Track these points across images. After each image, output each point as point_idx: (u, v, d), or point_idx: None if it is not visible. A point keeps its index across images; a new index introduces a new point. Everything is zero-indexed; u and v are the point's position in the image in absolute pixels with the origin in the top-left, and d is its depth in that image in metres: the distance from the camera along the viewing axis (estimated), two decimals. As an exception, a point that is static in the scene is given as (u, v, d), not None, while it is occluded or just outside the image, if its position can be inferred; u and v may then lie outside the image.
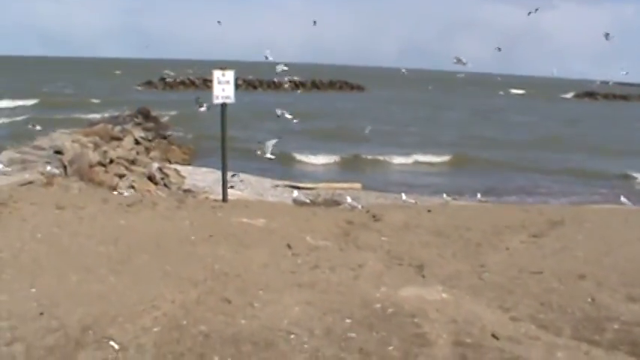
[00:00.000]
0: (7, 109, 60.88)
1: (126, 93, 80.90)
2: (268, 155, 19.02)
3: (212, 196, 14.69)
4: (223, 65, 12.57)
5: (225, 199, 12.64)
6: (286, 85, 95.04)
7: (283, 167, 32.63)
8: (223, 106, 12.53)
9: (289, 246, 9.55)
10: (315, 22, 31.11)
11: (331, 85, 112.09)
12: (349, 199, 14.00)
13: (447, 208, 15.94)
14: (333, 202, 23.42)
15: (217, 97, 12.45)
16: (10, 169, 18.48)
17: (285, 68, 26.50)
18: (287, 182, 26.63)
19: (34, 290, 6.95)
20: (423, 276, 8.49)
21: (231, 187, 23.67)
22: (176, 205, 11.79)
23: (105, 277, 7.52)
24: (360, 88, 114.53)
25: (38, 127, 30.69)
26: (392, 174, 35.81)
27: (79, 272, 7.63)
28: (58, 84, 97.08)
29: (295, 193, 13.92)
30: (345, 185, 27.27)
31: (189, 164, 31.96)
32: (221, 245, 9.28)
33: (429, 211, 13.01)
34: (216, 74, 12.44)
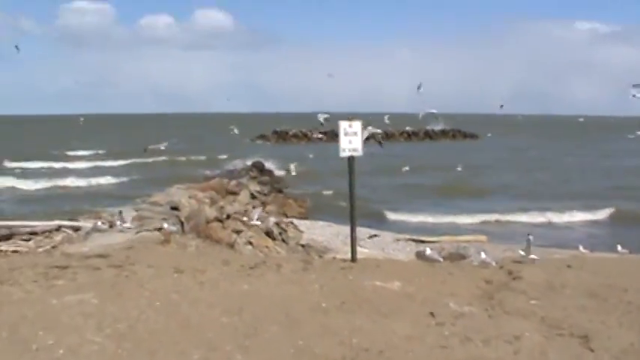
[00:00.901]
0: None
1: (240, 147, 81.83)
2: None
3: (338, 256, 13.68)
4: (350, 116, 11.67)
5: (354, 258, 11.61)
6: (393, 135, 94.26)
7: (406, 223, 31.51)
8: (351, 159, 11.58)
9: (432, 314, 8.46)
10: (330, 74, 29.93)
11: (444, 134, 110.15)
12: (483, 255, 12.74)
13: (586, 262, 14.39)
14: (459, 256, 22.13)
15: (344, 150, 11.53)
16: (128, 226, 18.11)
17: (327, 115, 25.60)
18: (409, 236, 25.34)
19: (152, 371, 6.08)
20: (592, 350, 7.22)
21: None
22: (302, 267, 10.85)
23: (231, 354, 6.62)
24: (473, 136, 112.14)
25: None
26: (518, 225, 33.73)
27: (201, 348, 6.77)
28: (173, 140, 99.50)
29: (428, 250, 12.69)
30: (469, 238, 25.73)
31: (306, 218, 31.16)
32: (356, 314, 8.24)
33: (568, 266, 11.67)
34: (343, 125, 11.54)
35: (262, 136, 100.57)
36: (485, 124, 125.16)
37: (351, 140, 11.52)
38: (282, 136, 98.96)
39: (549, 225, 32.69)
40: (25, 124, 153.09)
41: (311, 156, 57.27)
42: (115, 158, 63.53)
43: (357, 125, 11.58)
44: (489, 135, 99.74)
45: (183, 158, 64.72)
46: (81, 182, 45.72)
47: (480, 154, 71.76)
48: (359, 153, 11.57)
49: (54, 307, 8.00)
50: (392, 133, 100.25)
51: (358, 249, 14.11)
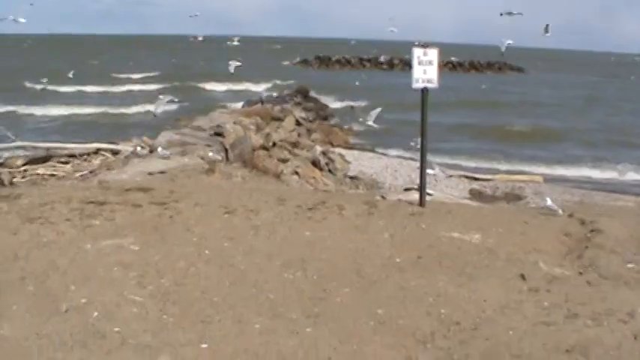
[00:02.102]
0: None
1: (281, 70, 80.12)
2: (370, 123, 19.17)
3: (391, 193, 12.39)
4: (425, 43, 10.26)
5: (422, 202, 10.35)
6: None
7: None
8: (424, 91, 10.19)
9: (523, 276, 7.19)
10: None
11: (489, 66, 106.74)
12: (549, 201, 11.38)
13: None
14: (514, 197, 20.91)
15: (417, 81, 10.15)
16: (169, 153, 16.98)
17: (238, 64, 24.85)
18: (462, 173, 23.88)
19: (204, 346, 4.94)
20: None
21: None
22: (367, 210, 9.63)
23: (299, 325, 5.49)
24: (519, 69, 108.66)
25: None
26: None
27: (262, 315, 5.62)
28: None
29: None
30: (525, 177, 24.18)
31: (352, 148, 29.80)
32: (437, 274, 7.03)
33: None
34: (417, 53, 10.14)
35: (304, 61, 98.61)
36: (530, 57, 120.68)
37: (426, 70, 10.13)
38: (324, 62, 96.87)
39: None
40: (70, 44, 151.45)
41: (357, 83, 55.65)
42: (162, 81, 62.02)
43: (432, 53, 10.17)
44: (535, 69, 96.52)
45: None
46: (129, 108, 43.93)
47: (532, 89, 68.62)
48: (434, 85, 10.19)
49: (88, 254, 6.90)
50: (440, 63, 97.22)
51: (412, 187, 12.87)
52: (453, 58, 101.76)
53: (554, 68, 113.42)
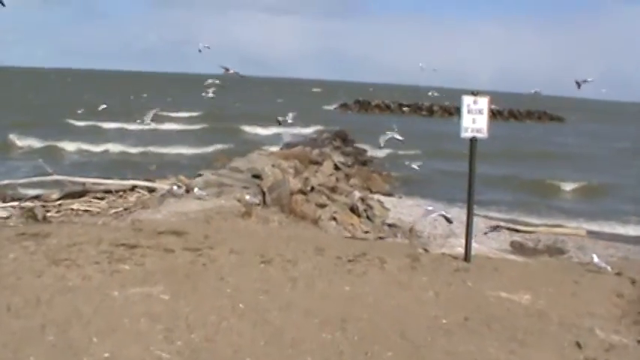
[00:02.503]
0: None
1: (320, 113, 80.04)
2: (382, 145, 20.09)
3: (445, 250, 11.80)
4: (475, 91, 9.81)
5: (468, 257, 9.81)
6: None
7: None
8: (473, 141, 9.72)
9: (578, 344, 6.60)
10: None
11: (529, 115, 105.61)
12: (595, 258, 10.78)
13: None
14: (557, 250, 20.20)
15: (466, 130, 9.71)
16: (205, 194, 16.65)
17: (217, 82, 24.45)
18: (504, 224, 23.17)
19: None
20: None
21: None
22: (409, 264, 9.14)
23: (337, 394, 4.92)
24: (559, 119, 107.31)
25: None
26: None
27: (298, 380, 5.09)
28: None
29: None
30: (567, 231, 23.36)
31: (391, 195, 29.25)
32: (486, 338, 6.51)
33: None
34: (466, 101, 9.71)
35: (344, 105, 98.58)
36: (568, 107, 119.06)
37: (475, 119, 9.68)
38: (364, 106, 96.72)
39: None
40: (117, 79, 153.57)
41: (395, 128, 55.13)
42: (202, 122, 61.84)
43: (483, 102, 9.73)
44: (573, 118, 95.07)
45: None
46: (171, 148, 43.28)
47: (573, 139, 67.10)
48: (484, 135, 9.73)
49: (115, 302, 6.48)
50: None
51: (453, 240, 12.35)
52: (493, 106, 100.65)
53: (593, 118, 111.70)
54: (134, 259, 8.00)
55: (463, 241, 12.61)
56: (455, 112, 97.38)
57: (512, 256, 11.90)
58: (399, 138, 22.85)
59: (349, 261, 8.98)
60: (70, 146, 38.49)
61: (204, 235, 9.75)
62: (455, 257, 10.06)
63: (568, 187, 34.20)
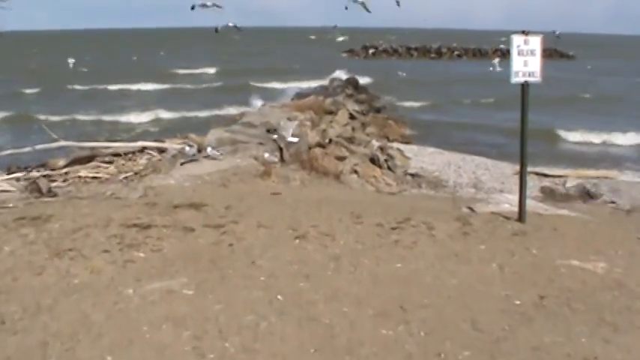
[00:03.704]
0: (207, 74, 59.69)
1: (328, 61, 78.42)
2: (290, 139, 16.28)
3: (492, 208, 10.58)
4: (525, 30, 8.59)
5: (522, 217, 8.70)
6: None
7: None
8: (525, 86, 8.55)
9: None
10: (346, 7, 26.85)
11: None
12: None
13: None
14: (589, 195, 19.12)
15: (517, 74, 8.53)
16: (219, 153, 15.59)
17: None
18: (530, 169, 21.84)
19: None
20: None
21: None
22: (460, 229, 8.07)
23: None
24: (569, 56, 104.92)
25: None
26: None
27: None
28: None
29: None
30: (599, 173, 22.10)
31: (408, 142, 28.04)
32: (571, 323, 5.46)
33: None
34: (516, 41, 8.53)
35: (350, 51, 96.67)
36: (577, 44, 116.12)
37: (527, 61, 8.50)
38: (371, 53, 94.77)
39: None
40: (119, 37, 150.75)
41: (403, 74, 53.78)
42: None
43: (535, 41, 8.54)
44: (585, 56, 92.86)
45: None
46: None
47: (586, 77, 65.08)
48: (537, 79, 8.58)
49: (130, 304, 5.41)
50: (485, 51, 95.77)
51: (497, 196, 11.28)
52: (502, 46, 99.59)
53: (606, 55, 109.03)
54: (149, 243, 6.90)
55: (509, 196, 11.57)
56: (463, 53, 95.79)
57: (564, 211, 10.78)
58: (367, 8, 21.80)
59: (392, 229, 7.89)
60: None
61: (225, 206, 8.66)
62: (506, 217, 8.98)
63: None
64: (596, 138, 28.42)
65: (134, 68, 61.85)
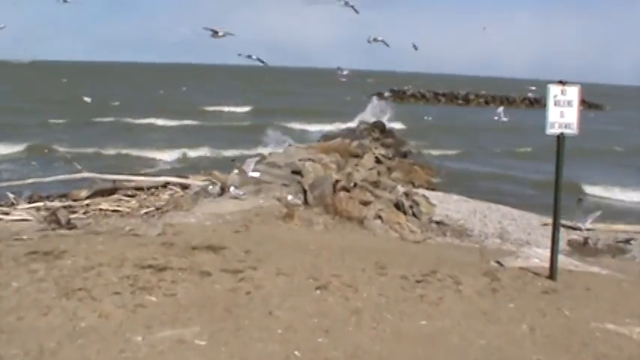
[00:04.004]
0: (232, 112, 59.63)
1: (354, 104, 78.40)
2: (251, 174, 16.06)
3: (521, 263, 10.13)
4: (563, 80, 8.28)
5: (553, 274, 8.30)
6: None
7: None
8: (561, 138, 8.21)
9: None
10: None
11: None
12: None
13: None
14: (618, 249, 18.67)
15: (553, 125, 8.20)
16: (242, 193, 15.36)
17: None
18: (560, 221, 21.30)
19: None
20: None
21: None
22: (489, 285, 7.69)
23: None
24: (598, 106, 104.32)
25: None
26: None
27: None
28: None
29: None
30: (628, 227, 21.51)
31: (434, 189, 27.65)
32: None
33: None
34: (553, 91, 8.21)
35: (378, 94, 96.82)
36: (604, 95, 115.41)
37: (564, 112, 8.17)
38: (399, 96, 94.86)
39: None
40: (149, 71, 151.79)
41: (429, 118, 53.47)
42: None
43: (572, 92, 8.20)
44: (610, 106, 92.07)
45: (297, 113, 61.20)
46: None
47: (616, 127, 64.27)
48: (574, 131, 8.23)
49: (138, 353, 5.08)
50: (513, 99, 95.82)
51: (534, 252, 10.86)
52: (530, 94, 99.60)
53: (625, 105, 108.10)
54: (163, 287, 6.58)
55: (538, 250, 11.16)
56: (491, 100, 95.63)
57: (595, 268, 10.37)
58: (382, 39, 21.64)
59: (417, 282, 7.53)
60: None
61: (244, 250, 8.35)
62: (536, 273, 8.59)
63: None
64: (621, 193, 27.84)
65: (161, 102, 62.10)
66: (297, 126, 48.46)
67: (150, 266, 7.21)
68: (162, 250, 8.10)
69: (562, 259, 10.66)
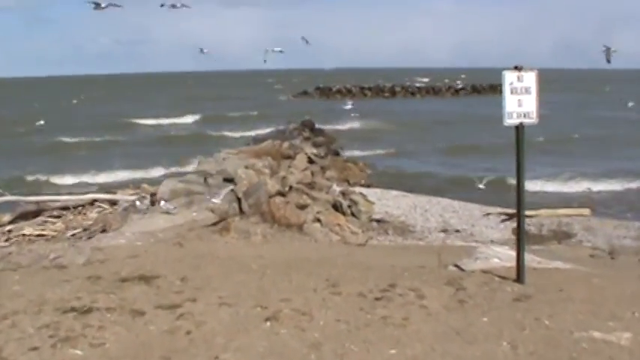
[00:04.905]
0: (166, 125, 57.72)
1: (281, 104, 77.75)
2: (216, 201, 14.51)
3: (480, 265, 9.43)
4: (517, 66, 7.63)
5: (521, 277, 7.67)
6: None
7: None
8: (520, 128, 7.59)
9: None
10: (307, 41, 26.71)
11: (492, 88, 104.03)
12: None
13: None
14: (564, 235, 18.59)
15: (511, 115, 7.55)
16: (173, 207, 14.48)
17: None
18: (500, 209, 21.06)
19: None
20: None
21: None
22: (455, 296, 6.99)
23: None
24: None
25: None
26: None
27: None
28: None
29: None
30: (570, 212, 21.39)
31: (369, 185, 27.15)
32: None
33: None
34: (509, 77, 7.56)
35: (304, 93, 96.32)
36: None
37: (522, 100, 7.54)
38: (325, 93, 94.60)
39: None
40: (72, 85, 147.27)
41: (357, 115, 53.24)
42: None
43: (530, 78, 7.58)
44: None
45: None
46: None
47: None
48: (533, 120, 7.61)
49: None
50: (439, 88, 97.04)
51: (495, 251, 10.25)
52: (458, 82, 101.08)
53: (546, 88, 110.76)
54: (89, 335, 5.56)
55: (496, 248, 10.57)
56: (416, 91, 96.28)
57: (558, 263, 9.82)
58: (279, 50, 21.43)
59: (377, 300, 6.76)
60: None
61: (180, 277, 7.45)
62: (501, 277, 7.96)
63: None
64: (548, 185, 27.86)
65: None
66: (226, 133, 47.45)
67: (73, 309, 6.20)
68: (88, 286, 7.11)
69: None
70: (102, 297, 6.64)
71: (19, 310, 6.21)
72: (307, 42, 25.18)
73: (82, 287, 7.07)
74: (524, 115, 7.54)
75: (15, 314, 6.10)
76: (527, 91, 7.52)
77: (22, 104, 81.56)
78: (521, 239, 7.83)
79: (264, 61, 22.09)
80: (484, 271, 8.27)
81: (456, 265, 8.85)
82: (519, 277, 7.69)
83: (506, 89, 7.52)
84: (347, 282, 7.45)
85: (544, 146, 35.22)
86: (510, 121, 7.55)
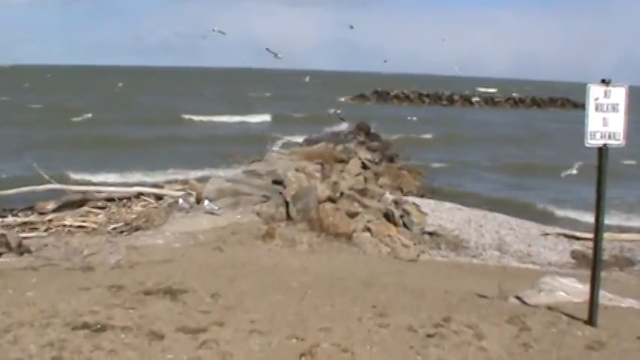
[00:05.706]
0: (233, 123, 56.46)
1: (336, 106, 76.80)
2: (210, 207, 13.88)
3: (546, 300, 8.45)
4: (607, 79, 6.64)
5: (593, 319, 6.73)
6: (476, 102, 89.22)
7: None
8: (604, 150, 6.59)
9: None
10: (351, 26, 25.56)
11: (552, 102, 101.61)
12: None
13: None
14: (625, 261, 17.52)
15: (594, 135, 6.58)
16: (217, 207, 13.90)
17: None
18: (559, 230, 19.95)
19: None
20: None
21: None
22: (517, 337, 6.14)
23: None
24: (584, 106, 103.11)
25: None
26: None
27: None
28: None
29: None
30: (634, 237, 20.17)
31: (423, 195, 26.12)
32: None
33: None
34: (594, 92, 6.61)
35: (362, 96, 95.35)
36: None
37: (607, 119, 6.57)
38: (382, 97, 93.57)
39: None
40: (131, 75, 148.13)
41: (414, 119, 52.14)
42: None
43: (618, 94, 6.61)
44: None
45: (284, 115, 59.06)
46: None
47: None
48: (620, 142, 6.62)
49: None
50: (498, 99, 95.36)
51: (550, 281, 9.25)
52: (514, 94, 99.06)
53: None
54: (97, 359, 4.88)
55: (562, 280, 9.59)
56: (475, 101, 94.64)
57: (630, 301, 8.81)
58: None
59: (429, 336, 5.92)
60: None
61: (211, 293, 6.69)
62: (570, 316, 7.03)
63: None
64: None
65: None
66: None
67: (85, 325, 5.44)
68: (107, 297, 6.39)
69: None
70: (119, 312, 5.89)
71: (25, 322, 5.49)
72: (276, 55, 24.17)
73: (101, 298, 6.35)
74: (610, 136, 6.57)
75: (20, 327, 5.38)
76: (614, 108, 6.56)
77: (76, 92, 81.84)
78: (596, 275, 6.88)
79: (275, 55, 21.59)
80: (549, 308, 7.36)
81: (518, 297, 7.95)
82: (591, 319, 6.77)
83: (591, 105, 6.57)
84: (396, 311, 6.63)
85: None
86: (593, 141, 6.58)
